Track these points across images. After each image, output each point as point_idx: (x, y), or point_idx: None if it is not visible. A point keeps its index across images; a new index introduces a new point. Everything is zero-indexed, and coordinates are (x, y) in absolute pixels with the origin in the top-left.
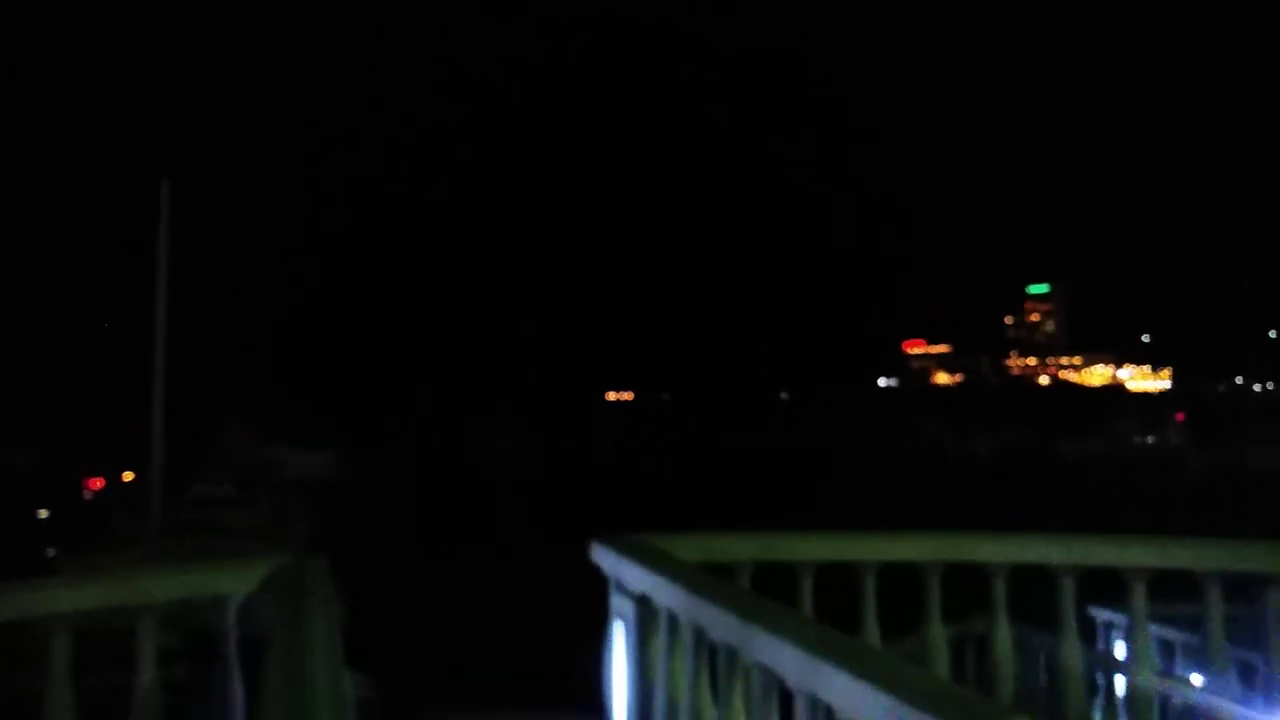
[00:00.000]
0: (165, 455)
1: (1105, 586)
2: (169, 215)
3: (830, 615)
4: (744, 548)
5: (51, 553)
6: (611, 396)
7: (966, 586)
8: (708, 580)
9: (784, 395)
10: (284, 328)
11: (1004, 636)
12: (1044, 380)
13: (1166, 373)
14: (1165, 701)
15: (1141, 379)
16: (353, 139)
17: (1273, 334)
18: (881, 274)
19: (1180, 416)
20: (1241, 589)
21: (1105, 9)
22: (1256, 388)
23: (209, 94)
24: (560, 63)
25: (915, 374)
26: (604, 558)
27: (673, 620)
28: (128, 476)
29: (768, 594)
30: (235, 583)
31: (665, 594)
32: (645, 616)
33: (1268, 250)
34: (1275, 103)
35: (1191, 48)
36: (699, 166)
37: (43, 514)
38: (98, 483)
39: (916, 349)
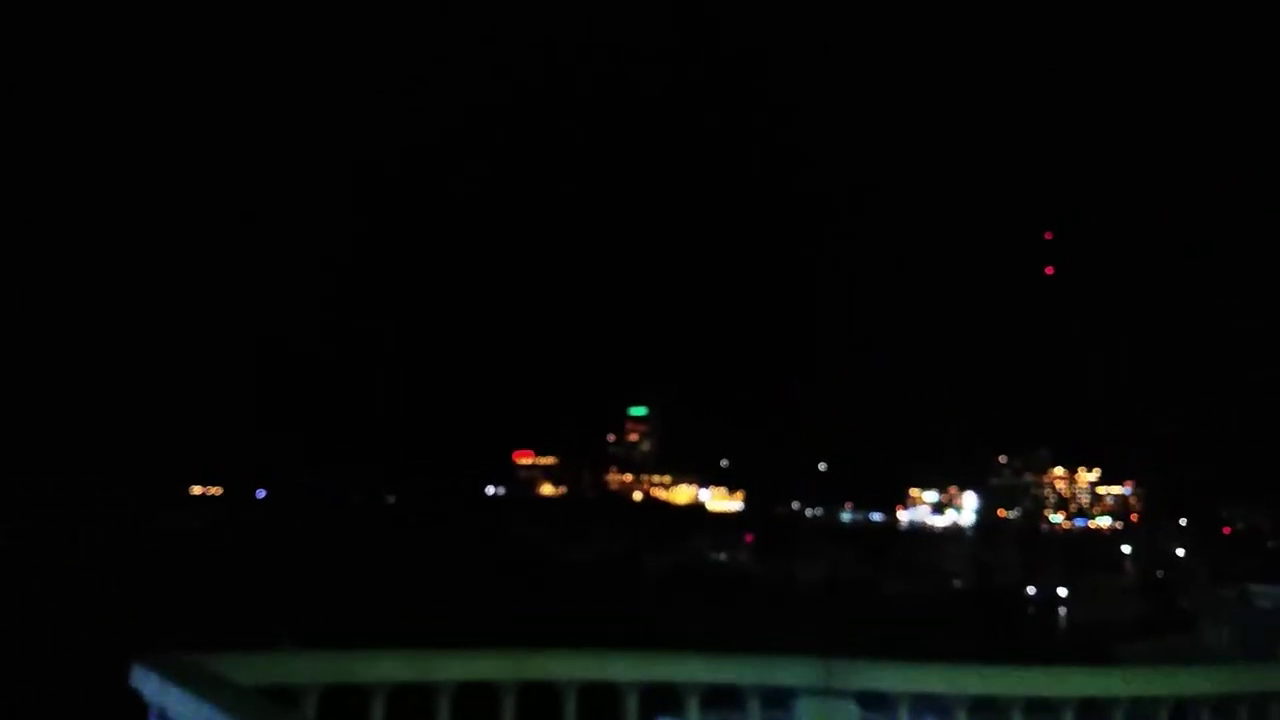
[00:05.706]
0: None
1: (670, 698)
2: None
3: None
4: (312, 668)
5: None
6: (197, 490)
7: (545, 702)
8: (268, 711)
9: (390, 499)
10: None
11: None
12: (638, 495)
13: (740, 495)
14: None
15: (720, 499)
16: None
17: (822, 467)
18: (494, 384)
19: (750, 537)
20: (779, 699)
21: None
22: (808, 512)
23: None
24: None
25: (522, 483)
26: (146, 682)
27: None
28: None
29: None
30: None
31: None
32: None
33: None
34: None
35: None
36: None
37: None
38: None
39: (525, 459)
